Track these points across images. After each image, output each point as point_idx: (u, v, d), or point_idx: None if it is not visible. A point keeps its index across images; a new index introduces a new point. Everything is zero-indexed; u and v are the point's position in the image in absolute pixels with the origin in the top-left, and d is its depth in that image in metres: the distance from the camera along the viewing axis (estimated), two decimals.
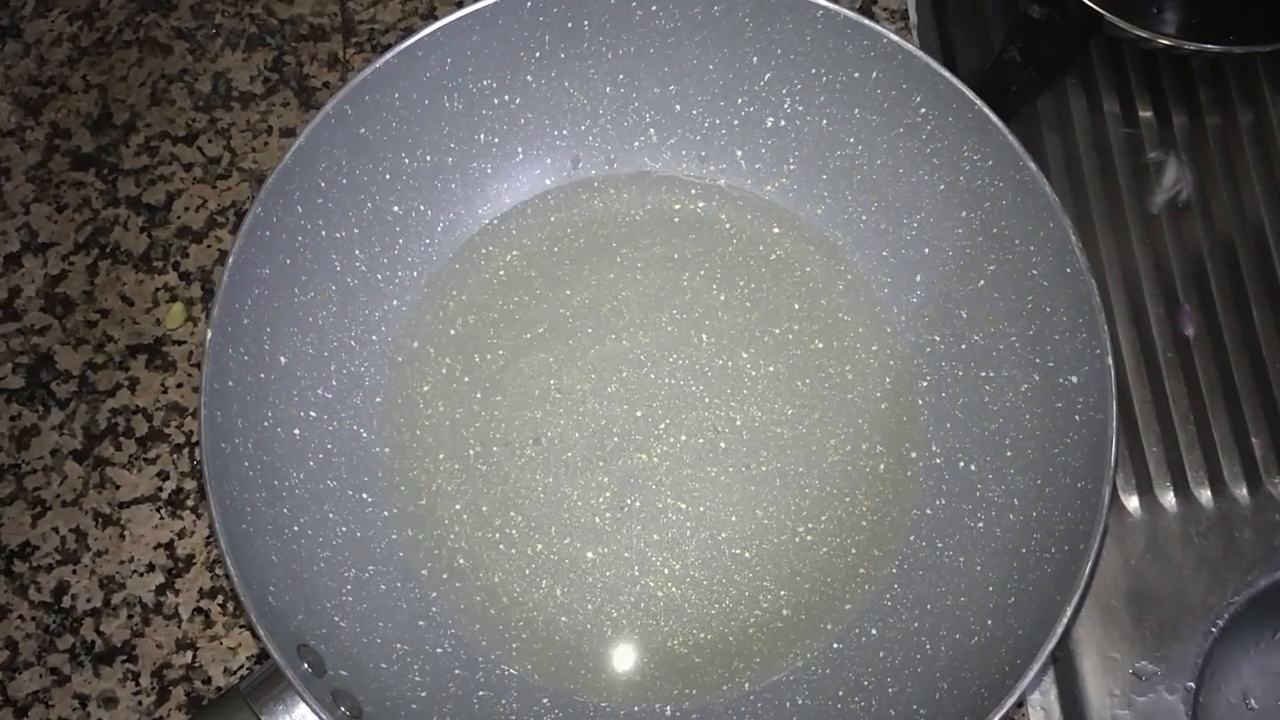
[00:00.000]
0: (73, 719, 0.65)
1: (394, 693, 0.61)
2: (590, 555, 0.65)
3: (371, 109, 0.63)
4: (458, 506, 0.66)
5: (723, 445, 0.67)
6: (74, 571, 0.67)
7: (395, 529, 0.65)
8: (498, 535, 0.65)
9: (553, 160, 0.71)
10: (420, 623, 0.63)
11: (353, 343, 0.67)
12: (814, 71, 0.66)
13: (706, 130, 0.70)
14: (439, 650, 0.62)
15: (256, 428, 0.60)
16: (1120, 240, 0.74)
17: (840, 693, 0.62)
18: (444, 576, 0.65)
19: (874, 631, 0.63)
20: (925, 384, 0.68)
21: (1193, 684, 0.65)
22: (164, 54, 0.79)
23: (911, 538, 0.65)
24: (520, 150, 0.70)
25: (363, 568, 0.62)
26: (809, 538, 0.66)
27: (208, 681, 0.65)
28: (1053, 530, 0.60)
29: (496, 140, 0.69)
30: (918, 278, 0.69)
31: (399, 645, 0.61)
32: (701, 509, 0.66)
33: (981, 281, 0.66)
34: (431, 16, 0.79)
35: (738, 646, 0.64)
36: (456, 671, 0.62)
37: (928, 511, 0.65)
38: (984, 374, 0.66)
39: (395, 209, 0.67)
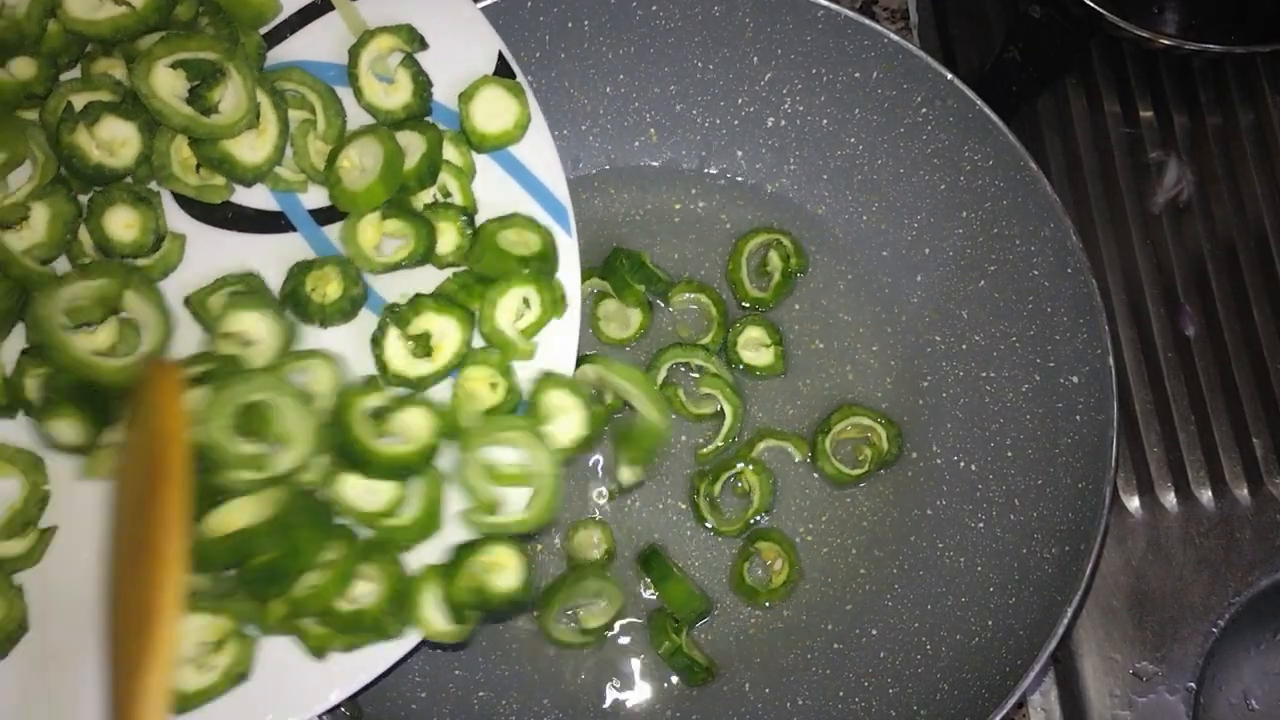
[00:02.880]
0: None
1: (394, 693, 0.61)
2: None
3: None
4: None
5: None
6: None
7: None
8: None
9: None
10: None
11: None
12: (814, 71, 0.66)
13: (706, 130, 0.70)
14: (439, 650, 0.62)
15: None
16: (1121, 240, 0.74)
17: (840, 693, 0.62)
18: None
19: (874, 631, 0.63)
20: (926, 384, 0.68)
21: (1193, 684, 0.65)
22: None
23: (912, 538, 0.65)
24: None
25: None
26: (809, 538, 0.66)
27: None
28: (1053, 530, 0.60)
29: None
30: (918, 278, 0.69)
31: None
32: None
33: (982, 281, 0.66)
34: None
35: (738, 647, 0.64)
36: (456, 672, 0.62)
37: (928, 512, 0.65)
38: (984, 374, 0.66)
39: None
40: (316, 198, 0.53)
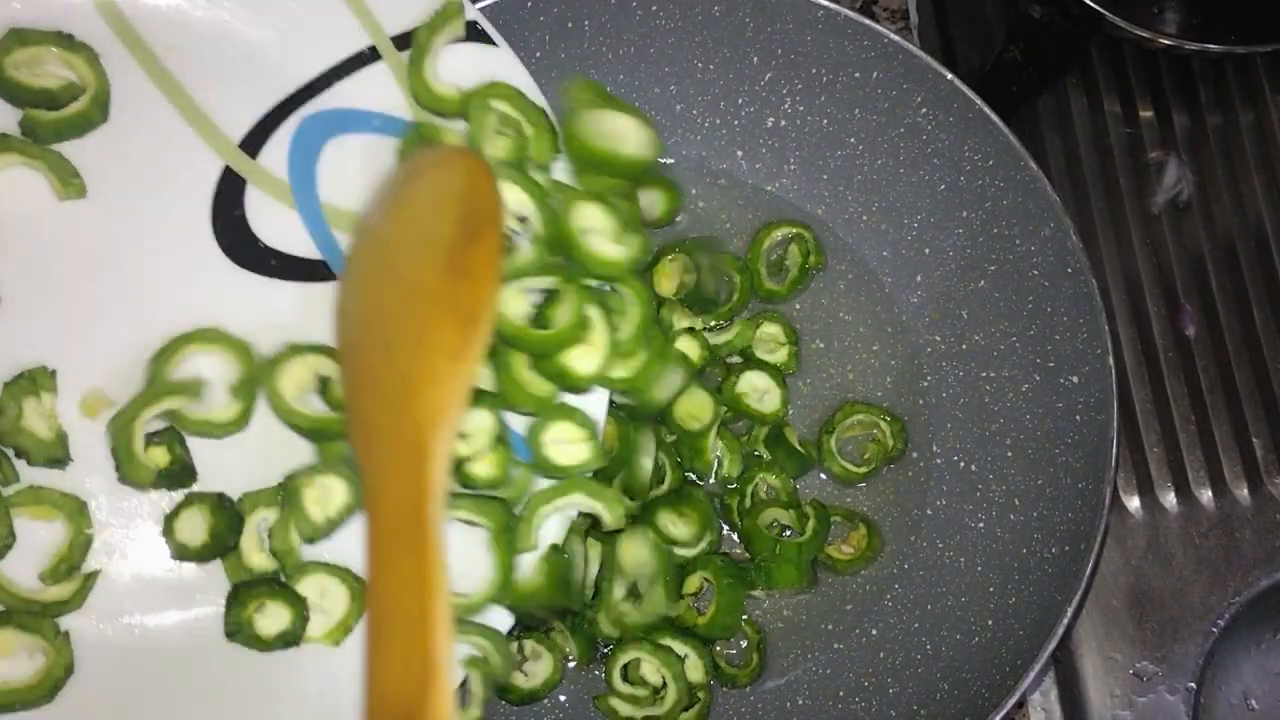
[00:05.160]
0: None
1: None
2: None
3: None
4: None
5: None
6: None
7: None
8: None
9: None
10: None
11: None
12: (814, 71, 0.66)
13: (706, 130, 0.70)
14: None
15: None
16: (1121, 240, 0.74)
17: (840, 693, 0.62)
18: None
19: (874, 631, 0.63)
20: (926, 384, 0.68)
21: (1193, 684, 0.65)
22: None
23: (911, 538, 0.65)
24: None
25: None
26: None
27: None
28: (1053, 530, 0.60)
29: None
30: (918, 278, 0.69)
31: None
32: None
33: (982, 281, 0.66)
34: None
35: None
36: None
37: (928, 512, 0.65)
38: (984, 374, 0.66)
39: None
40: None
